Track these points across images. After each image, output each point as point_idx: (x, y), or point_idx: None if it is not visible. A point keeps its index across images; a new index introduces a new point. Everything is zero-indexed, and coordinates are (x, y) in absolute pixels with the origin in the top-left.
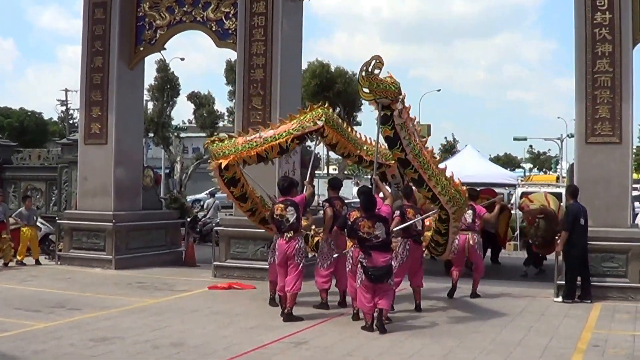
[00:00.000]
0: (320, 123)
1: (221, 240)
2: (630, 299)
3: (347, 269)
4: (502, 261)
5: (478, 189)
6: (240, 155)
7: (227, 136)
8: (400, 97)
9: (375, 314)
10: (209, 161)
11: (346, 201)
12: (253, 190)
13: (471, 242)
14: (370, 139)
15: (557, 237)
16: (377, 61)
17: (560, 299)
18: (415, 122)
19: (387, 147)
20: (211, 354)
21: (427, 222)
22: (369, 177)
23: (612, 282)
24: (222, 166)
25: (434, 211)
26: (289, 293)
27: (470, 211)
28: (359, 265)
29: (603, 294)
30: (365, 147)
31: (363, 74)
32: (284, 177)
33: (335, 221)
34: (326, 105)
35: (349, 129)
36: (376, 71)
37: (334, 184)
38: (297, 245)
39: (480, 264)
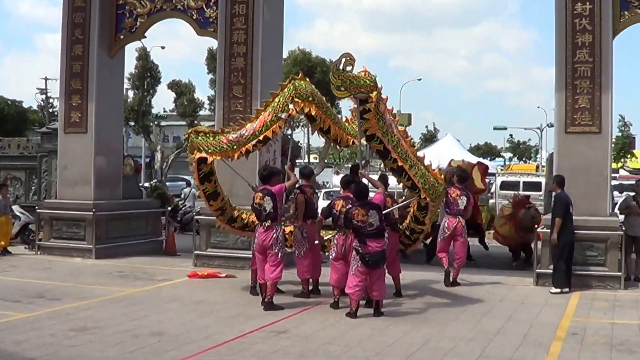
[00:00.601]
0: (291, 106)
1: (202, 229)
2: (609, 287)
3: (330, 257)
4: (481, 251)
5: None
6: (226, 154)
7: (211, 131)
8: (376, 90)
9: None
10: (187, 153)
11: (328, 190)
12: (222, 189)
13: (460, 227)
14: (347, 117)
15: (535, 227)
16: (348, 58)
17: (557, 290)
18: (393, 113)
19: (366, 139)
20: (191, 343)
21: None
22: (349, 165)
23: (590, 271)
24: (201, 159)
25: (412, 198)
26: (268, 282)
27: (464, 198)
28: (354, 252)
29: (582, 282)
30: (343, 125)
31: (334, 73)
32: (264, 166)
33: (307, 208)
34: (299, 76)
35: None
36: (348, 68)
37: (306, 173)
38: (274, 235)
39: (463, 251)
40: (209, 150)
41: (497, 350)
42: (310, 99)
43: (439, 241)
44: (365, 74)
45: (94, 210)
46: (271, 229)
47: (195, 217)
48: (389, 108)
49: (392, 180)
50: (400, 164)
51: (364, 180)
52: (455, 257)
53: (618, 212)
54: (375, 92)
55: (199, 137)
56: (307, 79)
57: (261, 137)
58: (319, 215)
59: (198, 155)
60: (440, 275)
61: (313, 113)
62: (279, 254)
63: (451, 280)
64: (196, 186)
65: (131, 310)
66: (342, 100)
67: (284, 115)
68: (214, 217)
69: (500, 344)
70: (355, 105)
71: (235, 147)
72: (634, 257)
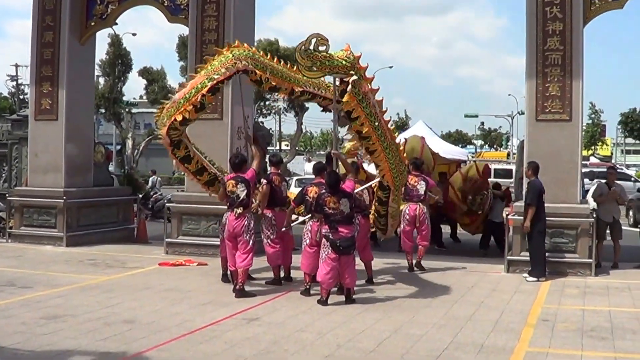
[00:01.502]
0: (240, 65)
1: (173, 217)
2: (580, 274)
3: (304, 244)
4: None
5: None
6: (184, 108)
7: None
8: (354, 70)
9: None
10: (158, 134)
11: (300, 178)
12: (210, 164)
13: (420, 212)
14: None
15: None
16: (319, 39)
17: (533, 278)
18: (376, 93)
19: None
20: (163, 330)
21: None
22: (321, 152)
23: (561, 258)
24: (171, 139)
25: (375, 180)
26: (239, 269)
27: (422, 182)
28: (325, 239)
29: (553, 269)
30: (293, 79)
31: (302, 53)
32: (235, 153)
33: (272, 197)
34: (236, 43)
35: (276, 61)
36: (321, 48)
37: (275, 160)
38: (245, 222)
39: (427, 234)
40: (169, 115)
41: (469, 337)
42: (257, 65)
43: (402, 229)
44: (343, 53)
45: (64, 197)
46: (243, 217)
47: (167, 204)
48: (374, 88)
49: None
50: (377, 147)
51: (340, 167)
52: (419, 241)
53: (592, 199)
54: (352, 73)
55: (160, 116)
56: (246, 45)
57: (193, 100)
58: (292, 202)
59: (164, 139)
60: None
61: (260, 78)
62: (250, 242)
63: (415, 262)
64: (181, 169)
65: (103, 297)
66: None
67: (217, 77)
68: (185, 205)
69: (472, 331)
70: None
71: (170, 114)
72: (610, 244)
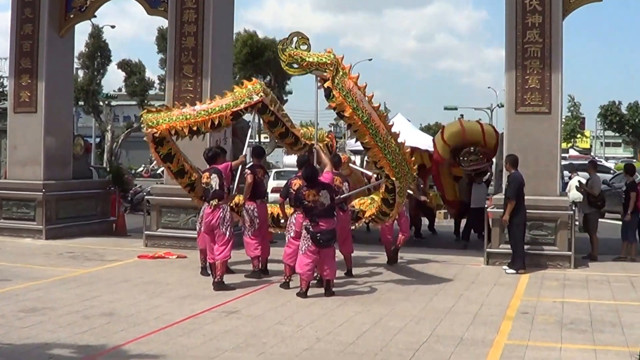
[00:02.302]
0: (256, 98)
1: (152, 210)
2: (559, 266)
3: (289, 235)
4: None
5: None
6: (173, 125)
7: (164, 107)
8: (333, 68)
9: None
10: (142, 130)
11: (279, 170)
12: (193, 167)
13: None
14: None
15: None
16: (300, 37)
17: (513, 271)
18: (364, 89)
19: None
20: (142, 323)
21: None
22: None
23: (540, 250)
24: (154, 135)
25: (377, 182)
26: (218, 261)
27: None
28: (304, 232)
29: (532, 261)
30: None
31: (284, 52)
32: (209, 147)
33: (255, 189)
34: (259, 81)
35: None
36: (303, 47)
37: (257, 152)
38: (221, 214)
39: (407, 226)
40: (157, 123)
41: (448, 330)
42: (276, 106)
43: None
44: (323, 54)
45: (43, 190)
46: (218, 208)
47: (146, 197)
48: (361, 85)
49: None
50: (369, 139)
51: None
52: (400, 231)
53: (575, 193)
54: (332, 69)
55: (150, 114)
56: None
57: (215, 116)
58: (279, 196)
59: (148, 136)
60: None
61: (272, 119)
62: (227, 234)
63: (392, 249)
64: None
65: (82, 291)
66: (290, 82)
67: (247, 100)
68: (164, 198)
69: (451, 323)
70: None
71: (184, 119)
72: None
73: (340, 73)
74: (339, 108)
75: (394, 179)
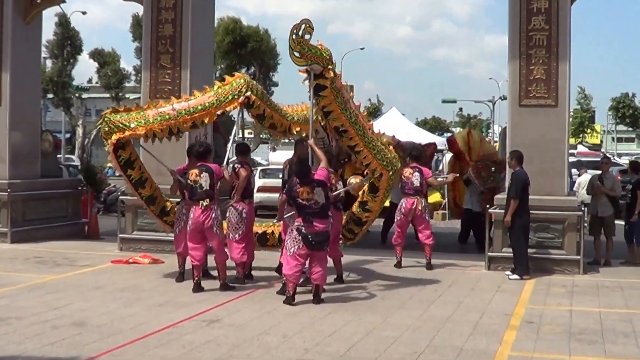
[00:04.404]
0: (241, 98)
1: (127, 211)
2: (567, 272)
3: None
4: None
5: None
6: (151, 127)
7: (134, 106)
8: (331, 65)
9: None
10: (102, 136)
11: (264, 168)
12: (149, 175)
13: (419, 207)
14: (289, 106)
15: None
16: (307, 25)
17: (516, 276)
18: (346, 88)
19: (323, 116)
20: (116, 334)
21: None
22: (287, 141)
23: (547, 254)
24: (117, 145)
25: (360, 181)
26: (220, 264)
27: (417, 173)
28: (295, 232)
29: (538, 266)
30: (289, 117)
31: (294, 37)
32: (200, 142)
33: (248, 184)
34: (243, 75)
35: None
36: (306, 36)
37: (242, 149)
38: (213, 215)
39: (429, 231)
40: (132, 126)
41: (446, 340)
42: (264, 99)
43: (396, 222)
44: (321, 46)
45: (9, 190)
46: (209, 209)
47: (120, 197)
48: (344, 83)
49: None
50: (358, 141)
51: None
52: (422, 239)
53: (585, 192)
54: (331, 67)
55: (118, 115)
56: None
57: (197, 116)
58: (282, 194)
59: (118, 135)
60: (387, 260)
61: (262, 112)
62: (220, 235)
63: (426, 262)
64: (120, 174)
65: (51, 298)
66: (276, 73)
67: (230, 98)
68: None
69: (450, 333)
70: (306, 79)
71: (162, 120)
72: (603, 239)
73: (335, 70)
74: (328, 108)
75: (389, 172)
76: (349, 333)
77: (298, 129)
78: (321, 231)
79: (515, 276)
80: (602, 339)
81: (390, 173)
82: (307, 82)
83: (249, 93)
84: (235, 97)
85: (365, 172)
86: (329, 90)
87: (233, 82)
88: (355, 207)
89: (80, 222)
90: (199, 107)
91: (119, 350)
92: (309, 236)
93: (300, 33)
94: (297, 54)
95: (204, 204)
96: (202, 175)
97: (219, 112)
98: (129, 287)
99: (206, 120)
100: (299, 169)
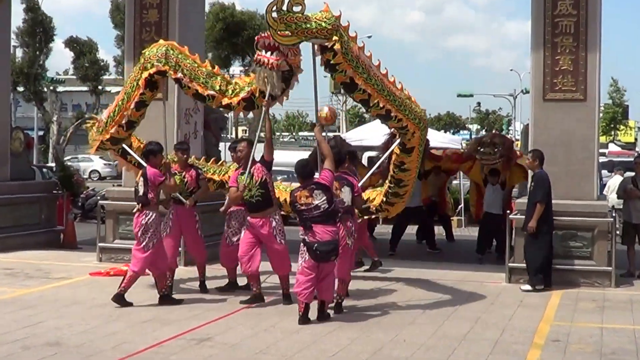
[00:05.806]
0: (145, 74)
1: (108, 217)
2: (597, 285)
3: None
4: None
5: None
6: (110, 128)
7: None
8: (336, 34)
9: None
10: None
11: None
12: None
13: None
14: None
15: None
16: None
17: (527, 286)
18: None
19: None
20: (96, 354)
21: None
22: (285, 140)
23: (574, 265)
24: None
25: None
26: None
27: (347, 188)
28: (302, 244)
29: (564, 279)
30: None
31: (274, 14)
32: (150, 141)
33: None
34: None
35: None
36: (296, 9)
37: (235, 148)
38: (143, 222)
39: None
40: (100, 131)
41: None
42: (162, 61)
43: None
44: (321, 15)
45: None
46: (141, 214)
47: (100, 202)
48: (360, 45)
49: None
50: (390, 107)
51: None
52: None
53: (616, 196)
54: (335, 37)
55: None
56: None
57: (118, 119)
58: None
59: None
60: (397, 270)
61: (174, 76)
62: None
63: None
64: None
65: (21, 315)
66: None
67: (132, 92)
68: (122, 202)
69: (466, 353)
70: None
71: (99, 132)
72: (638, 249)
73: (345, 38)
74: (349, 81)
75: (418, 131)
76: (354, 352)
77: (232, 101)
78: (325, 240)
79: (527, 286)
80: (637, 359)
81: (422, 130)
82: (318, 57)
83: (156, 64)
84: (138, 83)
85: (393, 131)
86: (345, 64)
87: (136, 66)
88: (391, 170)
89: (55, 230)
90: (116, 109)
91: None
92: (314, 245)
93: (284, 8)
94: (286, 32)
95: (134, 210)
96: (140, 179)
97: (133, 102)
98: (109, 302)
99: (133, 117)
100: (297, 166)
